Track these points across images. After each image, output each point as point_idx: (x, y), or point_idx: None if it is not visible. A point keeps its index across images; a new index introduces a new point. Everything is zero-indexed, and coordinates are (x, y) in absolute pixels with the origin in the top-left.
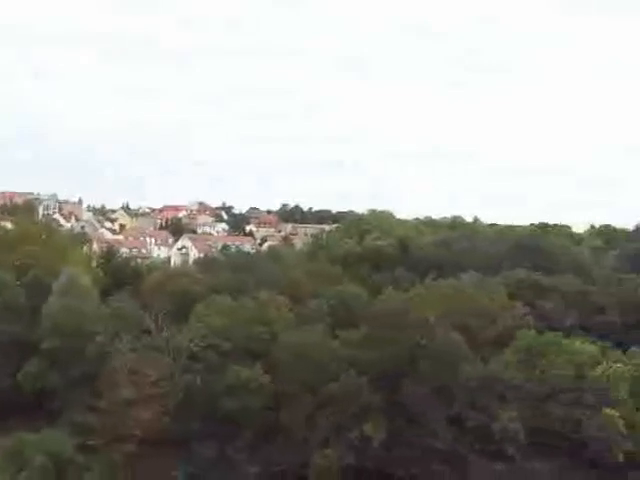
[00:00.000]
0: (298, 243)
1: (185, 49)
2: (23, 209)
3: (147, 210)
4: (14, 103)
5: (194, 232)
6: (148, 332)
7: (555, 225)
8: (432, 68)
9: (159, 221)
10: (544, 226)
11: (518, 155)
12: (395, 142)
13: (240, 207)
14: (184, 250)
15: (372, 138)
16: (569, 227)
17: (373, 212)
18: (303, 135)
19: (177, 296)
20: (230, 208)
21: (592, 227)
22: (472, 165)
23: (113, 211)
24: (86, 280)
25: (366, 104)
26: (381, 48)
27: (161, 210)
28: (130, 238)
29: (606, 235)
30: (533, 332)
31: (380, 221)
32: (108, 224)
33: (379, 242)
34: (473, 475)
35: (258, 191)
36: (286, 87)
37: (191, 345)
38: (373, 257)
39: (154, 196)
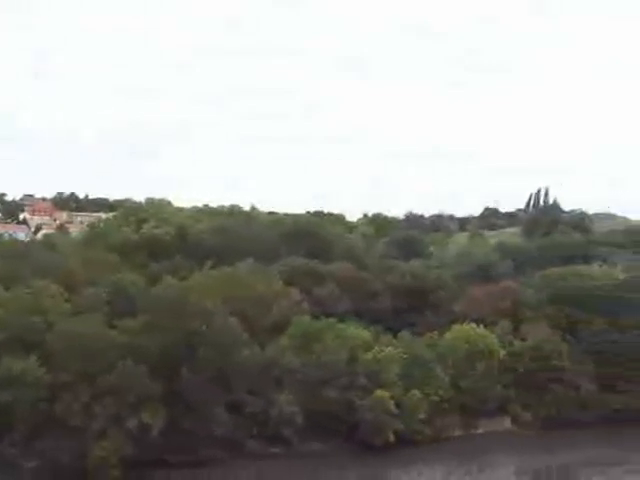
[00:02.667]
0: (74, 231)
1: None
2: None
3: None
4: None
5: None
6: None
7: (330, 213)
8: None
9: None
10: (319, 214)
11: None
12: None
13: (14, 194)
14: None
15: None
16: (343, 215)
17: (151, 200)
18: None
19: None
20: (3, 195)
21: (365, 215)
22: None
23: None
24: None
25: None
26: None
27: None
28: None
29: (377, 223)
30: (309, 318)
31: (158, 209)
32: None
33: (157, 230)
34: (251, 460)
35: (33, 177)
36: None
37: None
38: (151, 245)
39: None
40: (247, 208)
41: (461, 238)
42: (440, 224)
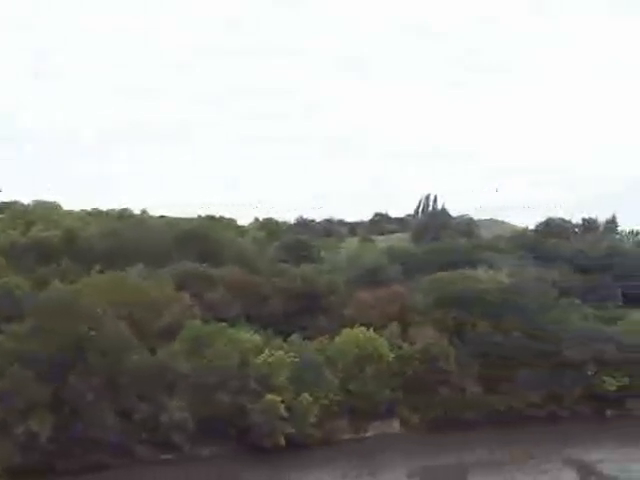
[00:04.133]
0: None
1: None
2: None
3: None
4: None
5: None
6: None
7: (221, 217)
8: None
9: None
10: (211, 218)
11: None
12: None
13: None
14: None
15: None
16: (234, 219)
17: (39, 203)
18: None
19: None
20: None
21: (256, 220)
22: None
23: None
24: None
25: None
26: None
27: None
28: None
29: (268, 227)
30: (200, 322)
31: (46, 212)
32: None
33: (45, 233)
34: (142, 466)
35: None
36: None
37: None
38: (39, 248)
39: None
40: (137, 211)
41: (352, 243)
42: (331, 229)
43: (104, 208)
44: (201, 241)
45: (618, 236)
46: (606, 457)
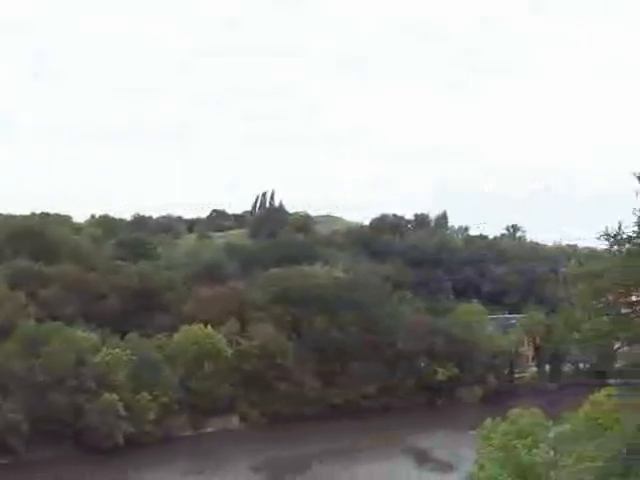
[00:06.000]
0: None
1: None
2: None
3: None
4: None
5: None
6: None
7: (56, 214)
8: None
9: None
10: (44, 215)
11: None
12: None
13: None
14: None
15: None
16: (69, 216)
17: None
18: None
19: None
20: None
21: (92, 217)
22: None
23: None
24: None
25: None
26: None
27: None
28: None
29: (105, 224)
30: (34, 321)
31: None
32: None
33: None
34: None
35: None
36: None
37: None
38: None
39: None
40: None
41: (189, 239)
42: (168, 226)
43: None
44: (35, 238)
45: (448, 232)
46: (438, 444)
